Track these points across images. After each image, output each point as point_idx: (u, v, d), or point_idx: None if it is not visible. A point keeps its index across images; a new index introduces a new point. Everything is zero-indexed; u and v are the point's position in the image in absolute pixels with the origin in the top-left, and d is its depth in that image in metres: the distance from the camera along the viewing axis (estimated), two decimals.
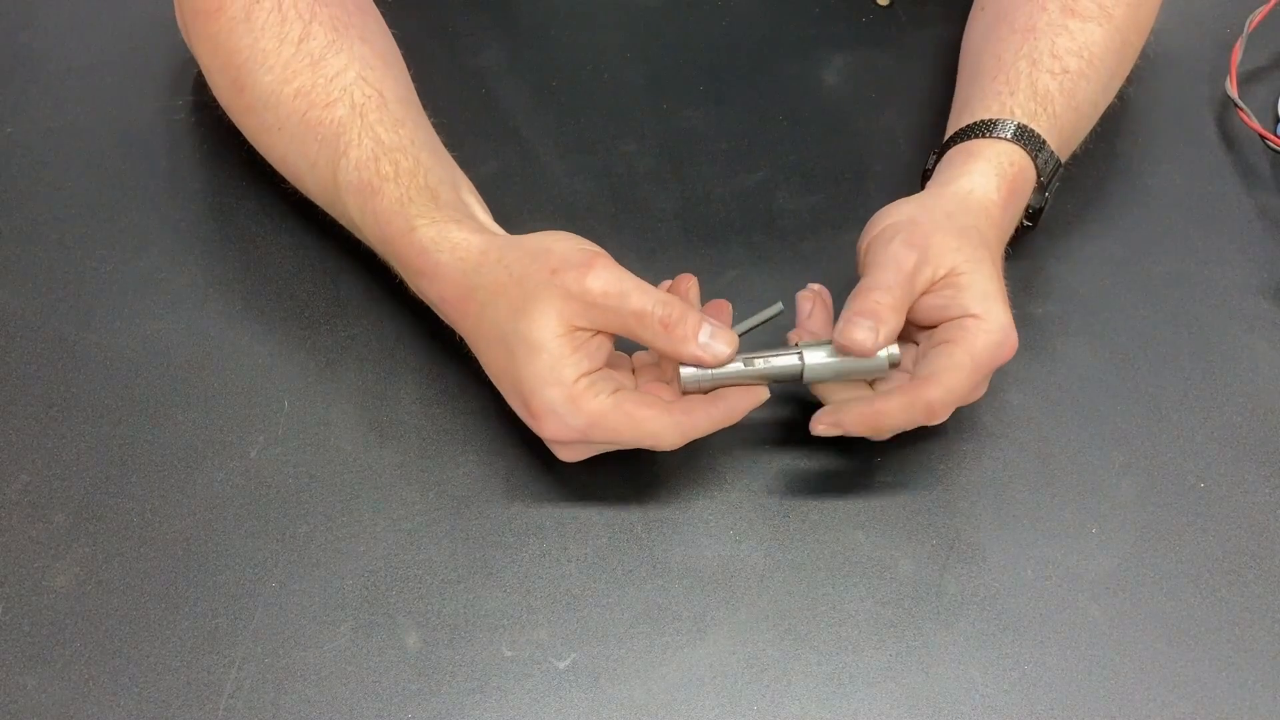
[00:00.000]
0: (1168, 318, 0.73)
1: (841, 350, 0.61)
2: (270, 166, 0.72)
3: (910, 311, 0.63)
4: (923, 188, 0.72)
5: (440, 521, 0.64)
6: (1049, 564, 0.64)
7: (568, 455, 0.63)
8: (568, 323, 0.59)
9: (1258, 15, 0.83)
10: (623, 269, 0.60)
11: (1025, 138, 0.68)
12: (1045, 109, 0.70)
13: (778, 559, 0.64)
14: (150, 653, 0.60)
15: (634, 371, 0.64)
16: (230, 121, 0.74)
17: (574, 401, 0.59)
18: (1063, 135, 0.71)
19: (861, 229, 0.76)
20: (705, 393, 0.62)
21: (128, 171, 0.77)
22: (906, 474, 0.67)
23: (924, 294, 0.62)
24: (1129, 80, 0.77)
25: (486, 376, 0.66)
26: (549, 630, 0.62)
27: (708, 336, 0.60)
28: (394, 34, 0.75)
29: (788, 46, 0.85)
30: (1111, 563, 0.64)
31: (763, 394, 0.62)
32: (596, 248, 0.62)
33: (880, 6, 0.87)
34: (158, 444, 0.67)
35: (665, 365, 0.63)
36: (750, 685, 0.60)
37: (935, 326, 0.63)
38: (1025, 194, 0.69)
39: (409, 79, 0.73)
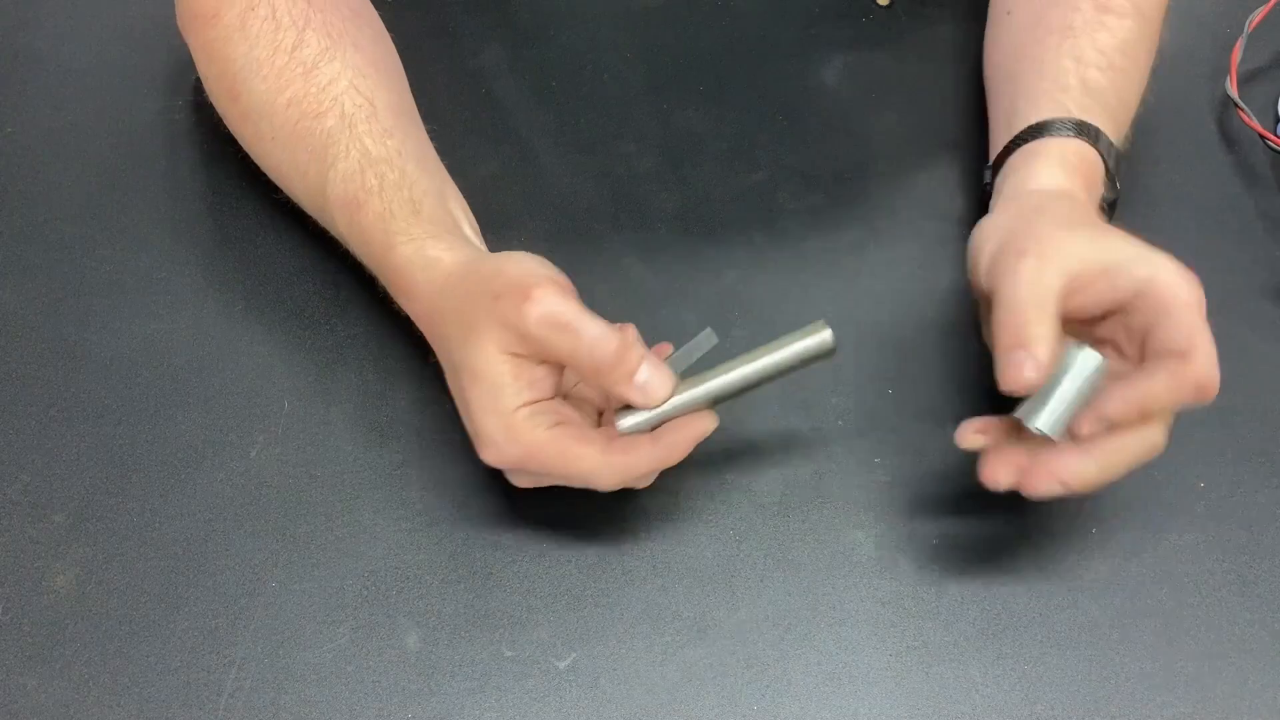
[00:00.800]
0: None
1: (1013, 393, 0.57)
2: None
3: (1069, 311, 0.58)
4: (986, 208, 0.69)
5: (440, 521, 0.64)
6: (1049, 564, 0.64)
7: (518, 482, 0.62)
8: (507, 350, 0.57)
9: (1258, 15, 0.83)
10: (569, 300, 0.58)
11: (1084, 131, 0.67)
12: (1099, 102, 0.69)
13: (778, 559, 0.64)
14: (150, 653, 0.60)
15: (602, 414, 0.62)
16: None
17: (510, 431, 0.57)
18: (1117, 128, 0.70)
19: (861, 228, 0.76)
20: (647, 433, 0.59)
21: (128, 171, 0.77)
22: (906, 474, 0.67)
23: (1074, 292, 0.58)
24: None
25: None
26: (549, 630, 0.62)
27: (645, 376, 0.58)
28: (394, 34, 0.75)
29: (788, 46, 0.85)
30: (1111, 563, 0.64)
31: (709, 425, 0.59)
32: (550, 273, 0.59)
33: (880, 6, 0.87)
34: (158, 444, 0.67)
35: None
36: (750, 685, 0.60)
37: (1109, 315, 0.59)
38: (1098, 185, 0.67)
39: (404, 85, 0.72)
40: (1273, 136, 0.79)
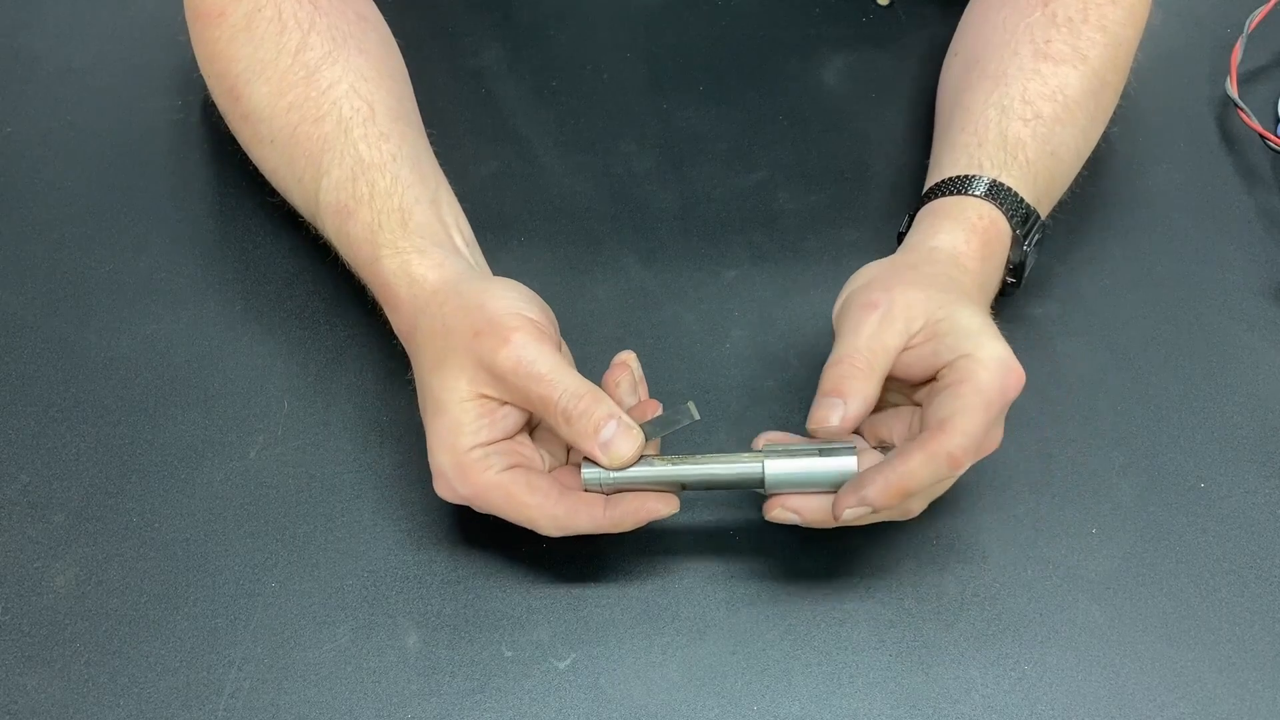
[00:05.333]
0: (1168, 318, 0.73)
1: (815, 433, 0.59)
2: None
3: (897, 370, 0.60)
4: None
5: (440, 521, 0.64)
6: (1049, 564, 0.64)
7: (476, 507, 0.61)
8: (474, 390, 0.58)
9: (1258, 15, 0.83)
10: (545, 345, 0.58)
11: (995, 193, 0.66)
12: (1015, 158, 0.67)
13: (778, 559, 0.64)
14: (150, 653, 0.60)
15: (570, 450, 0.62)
16: None
17: (462, 470, 0.58)
18: (1038, 183, 0.68)
19: (861, 228, 0.76)
20: (606, 493, 0.59)
21: (128, 171, 0.77)
22: None
23: (905, 350, 0.60)
24: (1126, 89, 0.77)
25: None
26: (549, 630, 0.62)
27: (609, 434, 0.57)
28: (394, 34, 0.75)
29: (788, 46, 0.85)
30: (1111, 563, 0.64)
31: (666, 509, 0.59)
32: (532, 312, 0.59)
33: (880, 6, 0.87)
34: (158, 444, 0.67)
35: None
36: (750, 685, 0.60)
37: (933, 379, 0.60)
38: (1001, 248, 0.66)
39: (407, 90, 0.72)
40: (1273, 136, 0.79)
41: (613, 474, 0.58)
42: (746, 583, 0.63)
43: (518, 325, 0.58)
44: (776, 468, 0.58)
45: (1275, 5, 0.83)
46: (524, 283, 0.62)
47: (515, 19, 0.86)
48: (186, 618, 0.61)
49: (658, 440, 0.60)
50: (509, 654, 0.61)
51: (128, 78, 0.81)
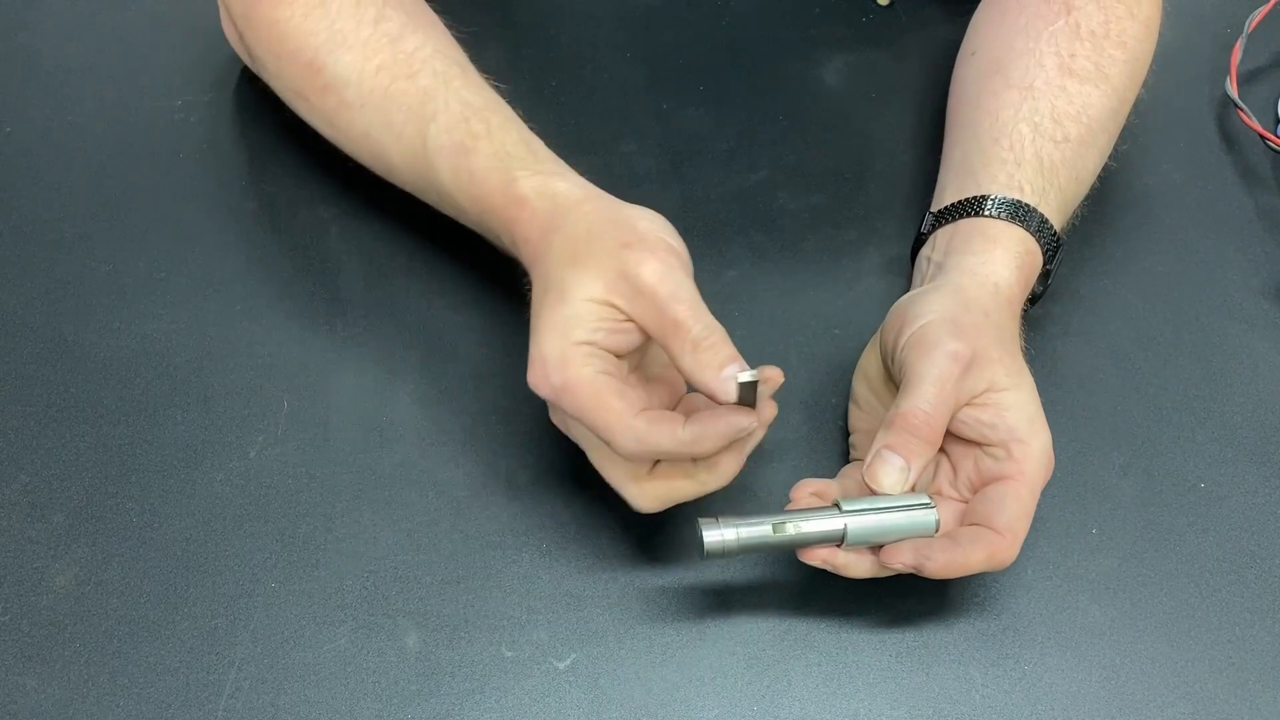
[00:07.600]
0: (1168, 318, 0.73)
1: (870, 487, 0.59)
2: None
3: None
4: (912, 252, 0.70)
5: (440, 521, 0.64)
6: (1049, 564, 0.64)
7: (553, 417, 0.61)
8: (607, 295, 0.57)
9: (1258, 15, 0.83)
10: (686, 277, 0.58)
11: (1034, 223, 0.66)
12: (1052, 184, 0.67)
13: (777, 559, 0.64)
14: (150, 653, 0.60)
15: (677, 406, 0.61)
16: (230, 121, 0.74)
17: (563, 358, 0.56)
18: (1065, 209, 0.69)
19: (861, 228, 0.76)
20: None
21: (127, 171, 0.77)
22: None
23: (965, 405, 0.59)
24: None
25: (486, 376, 0.66)
26: (549, 630, 0.62)
27: (734, 372, 0.56)
28: None
29: (788, 46, 0.85)
30: (1111, 563, 0.64)
31: (749, 420, 0.57)
32: (679, 246, 0.59)
33: (880, 6, 0.87)
34: (158, 444, 0.67)
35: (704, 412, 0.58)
36: (750, 685, 0.60)
37: (974, 443, 0.60)
38: (1032, 281, 0.67)
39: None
40: (1273, 136, 0.79)
41: (737, 533, 0.57)
42: (746, 583, 0.63)
43: (667, 249, 0.58)
44: (858, 523, 0.58)
45: (1275, 5, 0.83)
46: None
47: (515, 19, 0.86)
48: (186, 618, 0.61)
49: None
50: (509, 654, 0.61)
51: (128, 78, 0.81)
